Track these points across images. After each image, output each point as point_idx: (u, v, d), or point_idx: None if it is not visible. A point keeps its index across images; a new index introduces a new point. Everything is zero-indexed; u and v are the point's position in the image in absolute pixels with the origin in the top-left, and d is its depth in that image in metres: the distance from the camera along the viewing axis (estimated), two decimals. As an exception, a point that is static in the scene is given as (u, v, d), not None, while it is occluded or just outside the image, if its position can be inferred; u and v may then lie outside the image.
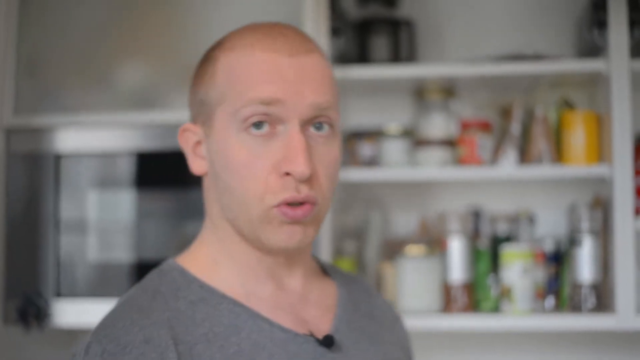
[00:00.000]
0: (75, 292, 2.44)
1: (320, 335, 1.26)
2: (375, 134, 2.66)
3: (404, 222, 2.80)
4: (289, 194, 1.18)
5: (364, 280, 1.53)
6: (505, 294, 2.47)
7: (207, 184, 1.28)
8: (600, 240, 2.48)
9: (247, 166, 1.19)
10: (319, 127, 1.22)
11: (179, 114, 2.46)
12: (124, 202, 2.45)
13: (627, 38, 2.42)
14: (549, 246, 2.61)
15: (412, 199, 2.81)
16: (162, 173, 2.46)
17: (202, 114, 1.25)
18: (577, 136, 2.52)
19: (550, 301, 2.58)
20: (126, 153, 2.45)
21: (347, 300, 1.37)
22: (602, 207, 2.52)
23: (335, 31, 2.54)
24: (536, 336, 2.72)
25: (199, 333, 1.18)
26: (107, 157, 2.46)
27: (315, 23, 2.46)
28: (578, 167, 2.51)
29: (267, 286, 1.28)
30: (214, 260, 1.27)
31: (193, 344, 1.16)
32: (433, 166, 2.58)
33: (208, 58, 1.26)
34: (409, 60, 2.71)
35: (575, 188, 2.73)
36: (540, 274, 2.56)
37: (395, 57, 2.69)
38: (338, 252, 2.55)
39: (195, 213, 2.40)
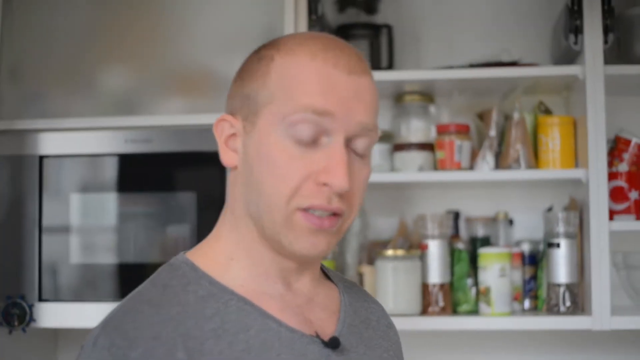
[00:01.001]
0: (58, 295, 2.45)
1: (325, 337, 1.28)
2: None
3: (384, 224, 2.83)
4: (320, 202, 1.20)
5: (360, 287, 1.54)
6: (484, 295, 2.50)
7: (233, 178, 1.29)
8: (576, 242, 2.52)
9: (284, 167, 1.20)
10: (358, 146, 1.24)
11: (161, 118, 2.49)
12: (107, 205, 2.46)
13: (602, 43, 2.47)
14: (526, 248, 2.65)
15: (392, 202, 2.84)
16: (145, 176, 2.48)
17: (245, 108, 1.25)
18: (554, 140, 2.56)
19: (527, 302, 2.62)
20: (109, 156, 2.47)
21: (348, 305, 1.39)
22: (578, 209, 2.56)
23: (315, 36, 2.56)
24: (514, 336, 2.75)
25: (209, 328, 1.19)
26: (90, 160, 2.48)
27: (295, 28, 2.48)
28: (554, 170, 2.55)
29: (277, 286, 1.29)
30: (229, 256, 1.28)
31: (204, 340, 1.17)
32: (412, 169, 2.61)
33: (262, 56, 1.26)
34: (388, 65, 2.75)
35: (552, 191, 2.77)
36: (518, 275, 2.60)
37: (375, 62, 2.73)
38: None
39: (176, 216, 2.43)
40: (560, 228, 2.51)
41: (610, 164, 2.57)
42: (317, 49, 1.23)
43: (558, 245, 2.50)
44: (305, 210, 1.20)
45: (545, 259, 2.56)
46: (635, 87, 2.69)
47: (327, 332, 1.30)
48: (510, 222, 2.71)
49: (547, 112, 2.69)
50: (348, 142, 1.22)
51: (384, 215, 2.84)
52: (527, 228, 2.78)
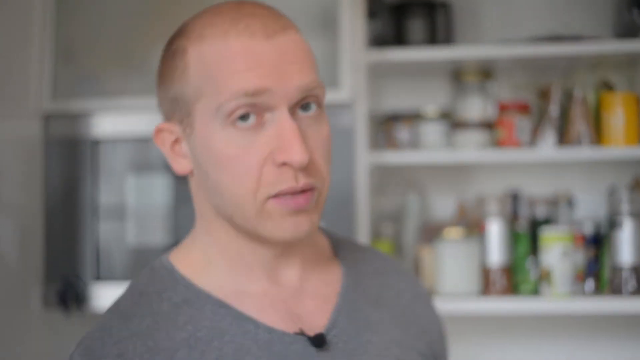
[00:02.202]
0: (113, 276, 2.46)
1: (313, 331, 1.18)
2: (412, 117, 2.65)
3: (442, 205, 2.79)
4: (287, 185, 1.11)
5: (383, 255, 1.43)
6: (545, 276, 2.45)
7: (193, 183, 1.21)
8: (640, 223, 2.46)
9: (238, 161, 1.11)
10: (306, 107, 1.14)
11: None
12: (161, 186, 2.46)
13: (668, 18, 2.40)
14: (588, 229, 2.59)
15: (450, 182, 2.80)
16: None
17: (177, 111, 1.16)
18: (617, 118, 2.50)
19: (590, 284, 2.56)
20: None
21: (352, 287, 1.28)
22: (643, 189, 2.50)
23: (371, 14, 2.53)
24: (575, 319, 2.70)
25: (180, 338, 1.13)
26: (144, 142, 2.47)
27: (352, 6, 2.45)
28: (617, 148, 2.49)
29: (260, 282, 1.21)
30: (207, 260, 1.21)
31: (174, 351, 1.12)
32: (471, 148, 2.56)
33: (174, 51, 1.16)
34: (445, 42, 2.70)
35: (615, 170, 2.70)
36: (580, 256, 2.54)
37: (432, 39, 2.68)
38: (376, 235, 2.55)
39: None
40: (624, 207, 2.44)
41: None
42: (226, 25, 1.13)
43: (621, 224, 2.44)
44: (276, 196, 1.12)
45: (609, 239, 2.50)
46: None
47: (319, 324, 1.20)
48: (571, 202, 2.64)
49: (610, 88, 2.62)
50: (294, 110, 1.13)
51: (442, 195, 2.80)
52: (589, 208, 2.72)
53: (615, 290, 2.45)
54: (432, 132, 2.60)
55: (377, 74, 2.68)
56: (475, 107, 2.61)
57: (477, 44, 2.78)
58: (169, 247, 2.38)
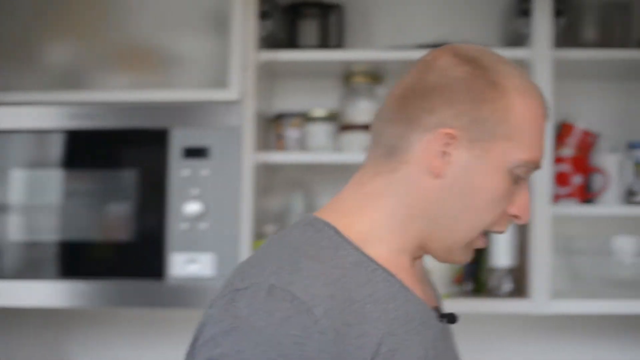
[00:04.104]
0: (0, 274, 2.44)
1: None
2: (301, 118, 2.68)
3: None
4: (501, 229, 1.35)
5: None
6: (425, 277, 2.50)
7: (428, 182, 1.33)
8: (518, 226, 2.53)
9: (501, 199, 1.32)
10: None
11: (107, 94, 2.46)
12: (51, 181, 2.44)
13: (551, 27, 2.47)
14: (469, 231, 2.65)
15: (336, 182, 2.81)
16: (88, 153, 2.46)
17: (476, 131, 1.30)
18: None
19: (468, 285, 2.63)
20: (52, 132, 2.44)
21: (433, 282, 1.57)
22: (522, 194, 2.57)
23: (264, 14, 2.55)
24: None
25: (365, 293, 1.25)
26: (34, 136, 2.45)
27: (244, 6, 2.47)
28: (499, 154, 2.55)
29: (409, 260, 1.37)
30: (379, 237, 1.34)
31: (363, 304, 1.23)
32: (356, 150, 2.60)
33: (496, 84, 1.31)
34: (337, 44, 2.74)
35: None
36: (460, 258, 2.60)
37: (324, 41, 2.71)
38: (259, 235, 2.57)
39: (119, 193, 2.41)
40: (503, 212, 2.51)
41: (555, 148, 2.58)
42: (536, 92, 1.33)
43: (500, 229, 2.50)
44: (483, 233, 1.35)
45: (487, 242, 2.56)
46: (584, 72, 2.70)
47: (432, 304, 1.41)
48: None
49: (494, 95, 2.68)
50: None
51: (328, 195, 2.82)
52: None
53: (492, 291, 2.52)
54: (319, 133, 2.63)
55: (269, 75, 2.70)
56: (362, 110, 2.65)
57: (367, 47, 2.83)
58: (56, 244, 2.37)
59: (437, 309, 1.39)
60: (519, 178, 1.32)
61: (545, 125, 1.34)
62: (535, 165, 1.33)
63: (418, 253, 1.38)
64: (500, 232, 1.37)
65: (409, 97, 1.36)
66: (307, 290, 1.18)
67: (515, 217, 1.34)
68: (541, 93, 1.35)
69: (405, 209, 1.34)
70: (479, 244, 1.37)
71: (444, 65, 1.34)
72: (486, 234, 1.36)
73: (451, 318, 1.41)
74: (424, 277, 1.49)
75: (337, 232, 1.31)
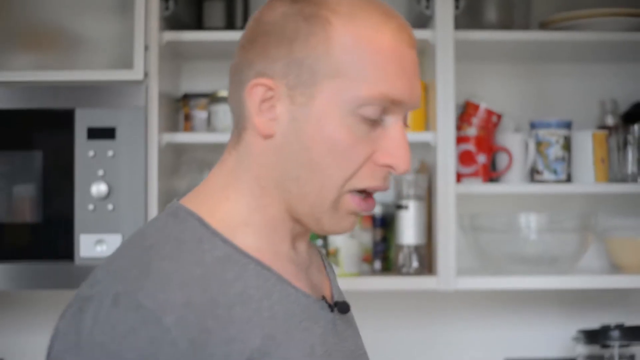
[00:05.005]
0: None
1: (327, 300, 1.26)
2: (208, 98, 2.67)
3: (236, 185, 2.82)
4: (376, 183, 1.17)
5: None
6: (333, 256, 2.52)
7: (263, 146, 1.18)
8: (425, 205, 2.57)
9: (348, 148, 1.14)
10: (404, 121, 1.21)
11: (8, 74, 2.42)
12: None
13: (453, 9, 2.50)
14: (377, 211, 2.68)
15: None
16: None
17: (293, 75, 1.15)
18: (405, 104, 2.59)
19: (378, 264, 2.66)
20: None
21: (329, 265, 1.40)
22: (427, 173, 2.61)
23: (167, -6, 2.54)
24: (362, 297, 2.79)
25: (232, 293, 1.11)
26: None
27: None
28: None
29: (288, 248, 1.24)
30: (243, 221, 1.19)
31: (230, 305, 1.09)
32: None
33: (310, 16, 1.15)
34: (243, 26, 2.73)
35: (403, 154, 2.79)
36: (368, 237, 2.63)
37: (230, 22, 2.71)
38: (168, 215, 2.56)
39: (23, 175, 2.38)
40: (409, 191, 2.55)
41: (459, 128, 2.63)
42: (379, 16, 1.15)
43: (407, 207, 2.54)
44: (355, 191, 1.17)
45: (395, 221, 2.60)
46: (486, 53, 2.75)
47: (327, 294, 1.29)
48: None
49: (400, 76, 2.71)
50: (404, 120, 1.20)
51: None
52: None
53: (400, 269, 2.55)
54: (226, 113, 2.63)
55: (174, 55, 2.69)
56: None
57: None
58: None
59: (325, 299, 1.24)
60: (372, 121, 1.15)
61: (403, 52, 1.15)
62: (388, 101, 1.14)
63: (296, 230, 1.24)
64: (378, 188, 1.18)
65: (237, 55, 1.23)
66: (156, 297, 1.04)
67: (389, 167, 1.16)
68: (393, 16, 1.17)
69: (255, 182, 1.20)
70: (353, 206, 1.18)
71: (264, 11, 1.21)
72: (365, 193, 1.19)
73: (342, 307, 1.27)
74: (313, 261, 1.33)
75: (201, 222, 1.16)
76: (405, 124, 1.20)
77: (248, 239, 1.18)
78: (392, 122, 1.17)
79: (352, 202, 1.18)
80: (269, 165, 1.18)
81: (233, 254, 1.15)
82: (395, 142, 1.16)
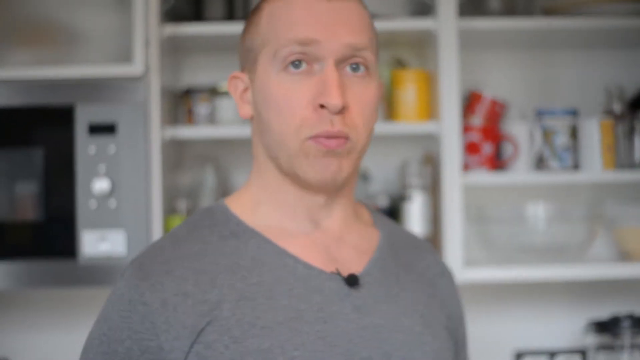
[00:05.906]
0: None
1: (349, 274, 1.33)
2: (209, 92, 2.65)
3: (239, 180, 2.79)
4: (323, 128, 1.26)
5: (419, 238, 1.58)
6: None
7: (253, 128, 1.37)
8: (430, 195, 2.54)
9: (285, 101, 1.27)
10: (355, 67, 1.30)
11: (9, 70, 2.40)
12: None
13: (456, -3, 2.48)
14: (383, 202, 2.65)
15: (247, 156, 2.80)
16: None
17: (248, 61, 1.34)
18: (409, 94, 2.57)
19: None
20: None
21: (387, 247, 1.43)
22: (432, 163, 2.58)
23: (167, -13, 2.52)
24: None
25: (224, 264, 1.28)
26: None
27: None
28: (409, 124, 2.56)
29: (304, 225, 1.35)
30: (257, 201, 1.36)
31: (217, 273, 1.26)
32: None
33: (255, 9, 1.35)
34: (244, 17, 2.71)
35: (407, 145, 2.77)
36: (374, 229, 2.60)
37: (230, 14, 2.68)
38: (170, 210, 2.54)
39: (25, 172, 2.36)
40: (414, 181, 2.52)
41: (464, 118, 2.60)
42: None
43: (412, 198, 2.52)
44: (314, 137, 1.26)
45: (401, 212, 2.57)
46: (490, 41, 2.72)
47: (354, 271, 1.34)
48: (366, 176, 2.71)
49: (403, 65, 2.69)
50: (342, 65, 1.29)
51: (239, 170, 2.80)
52: (384, 182, 2.78)
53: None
54: (228, 107, 2.60)
55: (175, 49, 2.66)
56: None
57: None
58: None
59: (339, 273, 1.31)
60: (302, 70, 1.27)
61: (311, 2, 1.29)
62: (299, 42, 1.27)
63: (315, 204, 1.34)
64: (328, 132, 1.26)
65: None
66: (142, 267, 1.27)
67: (322, 106, 1.26)
68: None
69: (258, 163, 1.38)
70: (316, 147, 1.26)
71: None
72: (316, 137, 1.26)
73: (350, 280, 1.32)
74: (350, 237, 1.39)
75: (224, 210, 1.36)
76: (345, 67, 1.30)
77: (259, 217, 1.35)
78: (323, 67, 1.28)
79: (314, 145, 1.27)
80: (258, 143, 1.37)
81: (238, 231, 1.33)
82: (324, 82, 1.26)
